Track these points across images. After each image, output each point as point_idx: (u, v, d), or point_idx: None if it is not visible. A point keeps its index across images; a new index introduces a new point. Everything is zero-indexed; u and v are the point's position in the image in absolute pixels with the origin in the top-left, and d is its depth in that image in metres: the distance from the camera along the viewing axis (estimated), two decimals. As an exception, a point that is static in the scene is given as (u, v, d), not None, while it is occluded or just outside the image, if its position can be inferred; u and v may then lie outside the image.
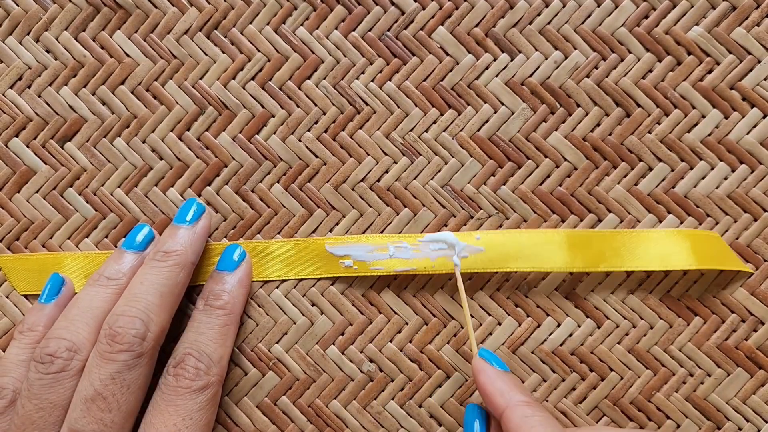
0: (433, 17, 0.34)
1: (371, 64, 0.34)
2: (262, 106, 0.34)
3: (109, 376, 0.28)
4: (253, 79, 0.34)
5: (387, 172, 0.34)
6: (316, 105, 0.34)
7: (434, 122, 0.34)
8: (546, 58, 0.33)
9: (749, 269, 0.33)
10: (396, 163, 0.34)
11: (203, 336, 0.30)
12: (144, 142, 0.34)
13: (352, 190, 0.34)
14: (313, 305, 0.33)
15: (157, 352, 0.30)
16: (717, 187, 0.33)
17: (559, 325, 0.33)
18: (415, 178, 0.34)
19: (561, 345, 0.33)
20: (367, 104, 0.34)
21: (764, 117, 0.33)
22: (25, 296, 0.34)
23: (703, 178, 0.33)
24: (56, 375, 0.28)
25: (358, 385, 0.33)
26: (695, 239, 0.32)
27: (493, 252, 0.32)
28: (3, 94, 0.34)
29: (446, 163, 0.34)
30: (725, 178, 0.33)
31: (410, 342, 0.33)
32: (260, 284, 0.33)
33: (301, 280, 0.33)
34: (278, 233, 0.33)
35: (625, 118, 0.33)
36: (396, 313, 0.33)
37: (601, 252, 0.32)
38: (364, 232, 0.33)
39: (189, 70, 0.34)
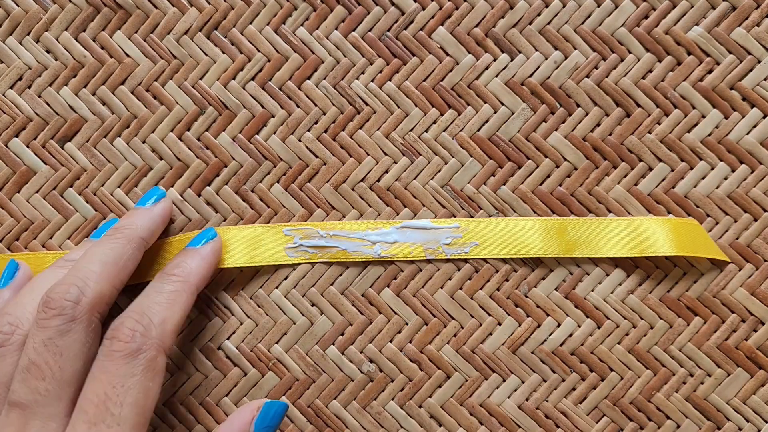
0: (433, 17, 0.34)
1: (371, 64, 0.34)
2: (262, 106, 0.34)
3: (42, 343, 0.27)
4: (253, 79, 0.34)
5: (387, 172, 0.34)
6: (316, 105, 0.34)
7: (434, 122, 0.34)
8: (546, 58, 0.33)
9: (727, 258, 0.33)
10: (396, 163, 0.34)
11: (148, 299, 0.29)
12: (144, 142, 0.34)
13: (352, 190, 0.34)
14: (312, 305, 0.33)
15: (98, 323, 0.28)
16: (717, 187, 0.33)
17: (559, 325, 0.33)
18: (415, 178, 0.34)
19: (561, 345, 0.33)
20: (367, 104, 0.34)
21: (764, 117, 0.33)
22: None
23: (703, 178, 0.33)
24: None
25: (357, 386, 0.33)
26: (673, 226, 0.32)
27: (470, 239, 0.33)
28: (3, 95, 0.34)
29: (446, 163, 0.34)
30: (725, 178, 0.33)
31: (410, 342, 0.33)
32: (260, 285, 0.33)
33: (302, 278, 0.33)
34: (278, 233, 0.33)
35: (625, 118, 0.33)
36: (396, 313, 0.33)
37: (576, 238, 0.33)
38: (364, 232, 0.33)
39: (189, 70, 0.34)
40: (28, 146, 0.34)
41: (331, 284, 0.33)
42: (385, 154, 0.34)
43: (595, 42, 0.33)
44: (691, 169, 0.33)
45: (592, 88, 0.33)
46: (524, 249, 0.33)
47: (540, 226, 0.33)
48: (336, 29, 0.34)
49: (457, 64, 0.34)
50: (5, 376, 0.27)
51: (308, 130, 0.34)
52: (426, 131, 0.34)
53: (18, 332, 0.28)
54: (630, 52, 0.33)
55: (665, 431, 0.33)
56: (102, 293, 0.28)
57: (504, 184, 0.33)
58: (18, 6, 0.34)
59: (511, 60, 0.34)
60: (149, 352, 0.27)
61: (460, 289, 0.33)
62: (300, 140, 0.34)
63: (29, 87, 0.34)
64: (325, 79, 0.34)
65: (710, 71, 0.33)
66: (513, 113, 0.34)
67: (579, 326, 0.33)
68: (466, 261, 0.33)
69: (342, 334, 0.33)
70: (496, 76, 0.34)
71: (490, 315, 0.33)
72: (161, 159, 0.34)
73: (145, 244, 0.31)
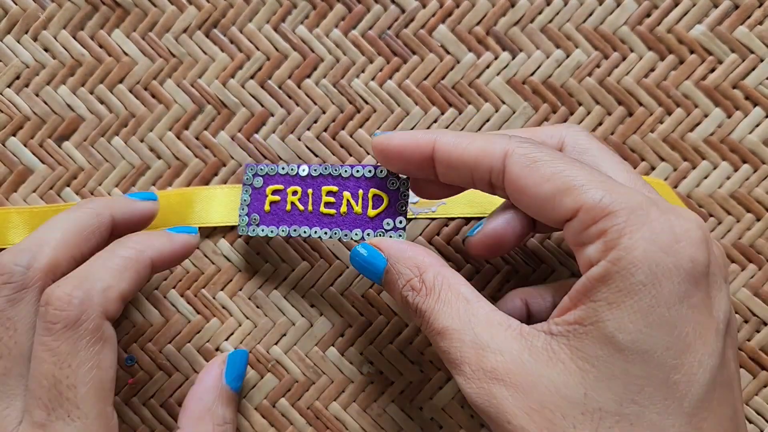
0: (433, 15, 0.33)
1: (371, 62, 0.34)
2: (261, 105, 0.34)
3: None
4: (252, 77, 0.34)
5: (387, 171, 0.33)
6: (315, 104, 0.34)
7: (435, 121, 0.33)
8: (548, 57, 0.33)
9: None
10: (396, 162, 0.33)
11: (97, 262, 0.25)
12: (142, 141, 0.34)
13: (352, 189, 0.33)
14: (312, 306, 0.33)
15: None
16: (720, 187, 0.33)
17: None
18: (415, 178, 0.33)
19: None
20: (367, 103, 0.34)
21: (767, 116, 0.33)
22: None
23: (706, 177, 0.33)
24: None
25: (358, 387, 0.33)
26: None
27: (442, 210, 0.33)
28: (0, 93, 0.34)
29: (447, 163, 0.33)
30: (728, 178, 0.33)
31: (411, 344, 0.33)
32: (258, 285, 0.33)
33: (301, 279, 0.33)
34: (277, 233, 0.33)
35: (628, 117, 0.33)
36: (396, 314, 0.33)
37: None
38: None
39: (188, 68, 0.34)
40: (25, 145, 0.34)
41: (331, 285, 0.33)
42: (386, 153, 0.33)
43: (597, 40, 0.33)
44: (694, 168, 0.33)
45: (594, 87, 0.33)
46: (490, 207, 0.32)
47: None
48: (336, 27, 0.34)
49: (458, 62, 0.33)
50: None
51: (308, 129, 0.34)
52: (427, 130, 0.33)
53: None
54: (632, 51, 0.33)
55: None
56: (57, 260, 0.25)
57: (505, 184, 0.33)
58: (16, 4, 0.34)
59: (513, 58, 0.33)
60: (91, 321, 0.24)
61: (461, 289, 0.33)
62: (299, 139, 0.34)
63: (27, 86, 0.34)
64: (324, 77, 0.34)
65: (713, 70, 0.33)
66: (514, 112, 0.33)
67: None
68: (460, 254, 0.33)
69: (342, 336, 0.33)
70: (498, 74, 0.33)
71: (491, 315, 0.33)
72: (159, 158, 0.34)
73: (113, 223, 0.28)
